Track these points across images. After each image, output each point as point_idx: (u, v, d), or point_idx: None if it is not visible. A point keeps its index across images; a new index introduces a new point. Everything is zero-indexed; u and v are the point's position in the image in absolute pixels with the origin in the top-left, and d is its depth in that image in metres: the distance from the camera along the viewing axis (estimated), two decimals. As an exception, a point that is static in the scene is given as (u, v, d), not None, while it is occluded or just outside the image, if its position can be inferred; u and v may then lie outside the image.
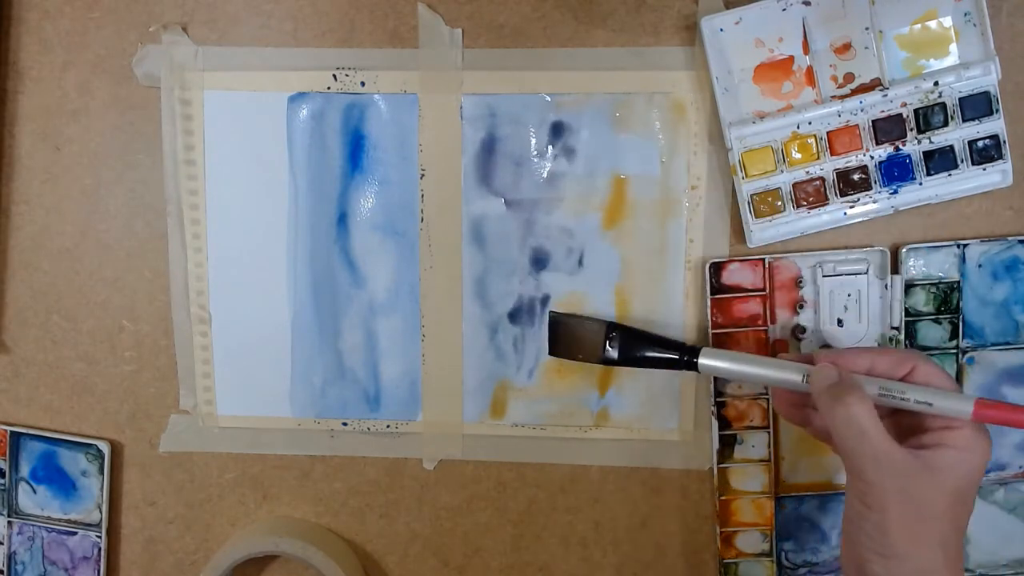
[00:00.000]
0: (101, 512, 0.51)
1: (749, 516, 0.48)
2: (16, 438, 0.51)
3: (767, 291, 0.46)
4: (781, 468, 0.48)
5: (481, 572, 0.51)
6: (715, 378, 0.47)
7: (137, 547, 0.52)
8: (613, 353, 0.45)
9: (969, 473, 0.36)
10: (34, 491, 0.52)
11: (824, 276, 0.46)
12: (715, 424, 0.47)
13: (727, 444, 0.47)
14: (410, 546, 0.51)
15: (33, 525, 0.52)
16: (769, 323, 0.46)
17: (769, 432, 0.47)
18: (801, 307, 0.46)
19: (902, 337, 0.46)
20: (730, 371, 0.42)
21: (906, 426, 0.39)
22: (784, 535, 0.48)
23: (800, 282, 0.46)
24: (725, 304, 0.46)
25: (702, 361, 0.43)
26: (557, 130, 0.46)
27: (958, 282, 0.46)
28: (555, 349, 0.47)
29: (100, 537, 0.51)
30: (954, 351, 0.46)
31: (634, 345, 0.45)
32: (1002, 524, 0.48)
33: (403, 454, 0.50)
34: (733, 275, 0.46)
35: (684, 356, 0.43)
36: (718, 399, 0.47)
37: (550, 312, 0.47)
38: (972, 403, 0.36)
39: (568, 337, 0.47)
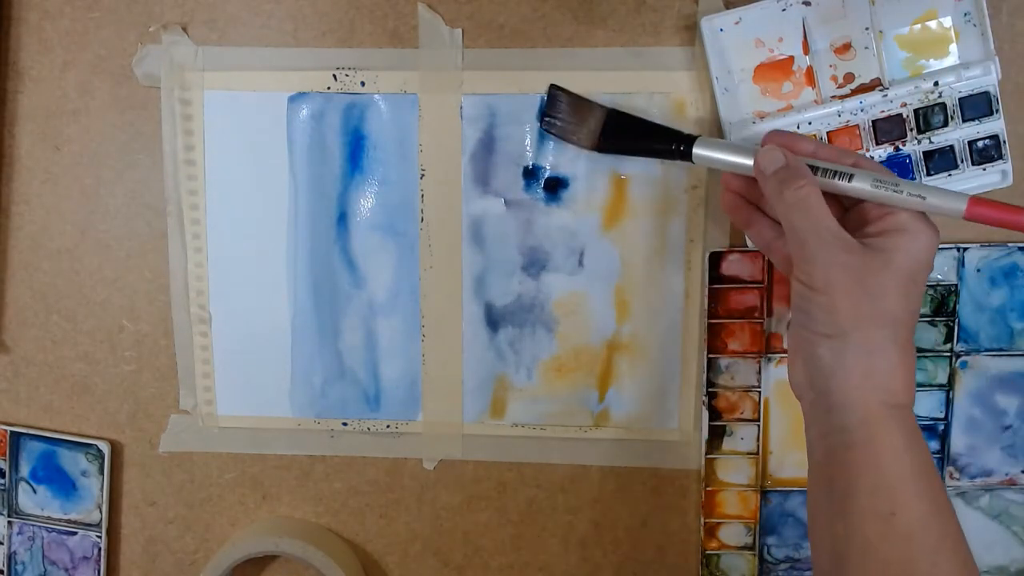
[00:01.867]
0: (101, 512, 0.51)
1: (734, 508, 0.48)
2: (16, 438, 0.51)
3: (765, 283, 0.46)
4: (768, 462, 0.48)
5: (481, 572, 0.51)
6: (708, 371, 0.47)
7: (137, 547, 0.52)
8: (609, 141, 0.44)
9: (916, 255, 0.36)
10: (34, 491, 0.52)
11: (823, 273, 0.46)
12: (705, 415, 0.47)
13: (716, 435, 0.48)
14: (410, 546, 0.51)
15: (33, 525, 0.52)
16: (766, 316, 0.46)
17: (759, 426, 0.47)
18: (800, 304, 0.46)
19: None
20: (724, 162, 0.41)
21: (850, 222, 0.38)
22: (768, 529, 0.48)
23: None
24: (723, 295, 0.46)
25: (696, 151, 0.41)
26: (557, 130, 0.46)
27: (956, 286, 0.46)
28: (550, 126, 0.45)
29: (100, 537, 0.51)
30: (948, 354, 0.46)
31: (631, 133, 0.44)
32: (985, 530, 0.48)
33: (403, 454, 0.50)
34: (732, 266, 0.46)
35: (680, 145, 0.42)
36: (710, 390, 0.47)
37: (551, 85, 0.45)
38: (966, 200, 0.36)
39: (566, 117, 0.45)
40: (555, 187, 0.47)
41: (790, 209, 0.36)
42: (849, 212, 0.39)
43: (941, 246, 0.45)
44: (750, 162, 0.40)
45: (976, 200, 0.36)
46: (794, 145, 0.39)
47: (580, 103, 0.45)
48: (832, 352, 0.35)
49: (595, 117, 0.44)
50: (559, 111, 0.45)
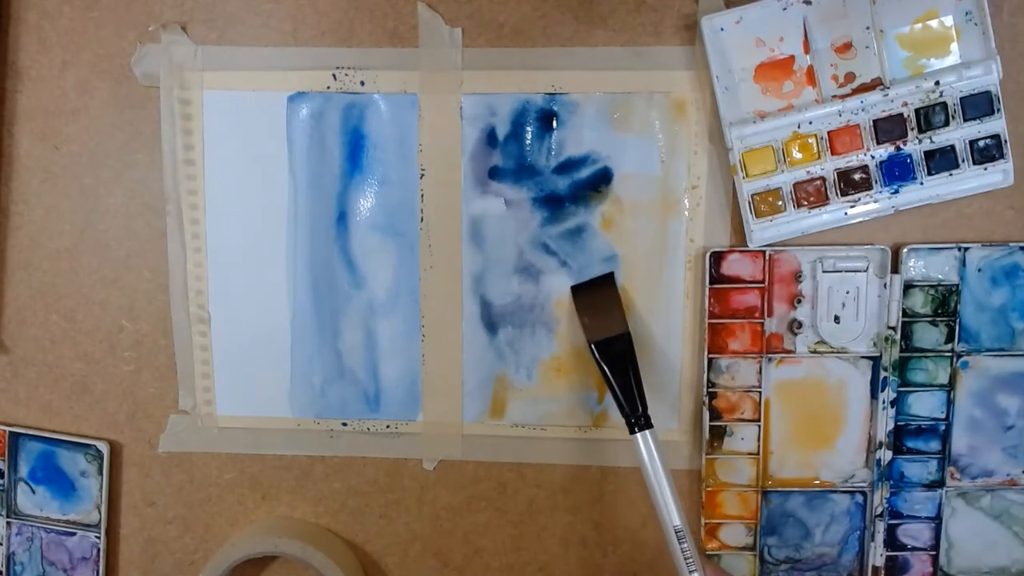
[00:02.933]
0: (100, 512, 0.51)
1: (734, 509, 0.48)
2: (15, 438, 0.51)
3: (766, 283, 0.46)
4: (769, 462, 0.48)
5: (481, 572, 0.51)
6: (708, 369, 0.47)
7: (136, 547, 0.52)
8: (602, 356, 0.44)
9: None
10: (33, 491, 0.51)
11: (824, 272, 0.46)
12: (706, 415, 0.47)
13: (717, 435, 0.48)
14: (410, 546, 0.51)
15: (32, 526, 0.52)
16: (766, 316, 0.46)
17: (759, 425, 0.47)
18: (799, 302, 0.46)
19: (898, 337, 0.46)
20: (645, 472, 0.42)
21: None
22: (768, 530, 0.48)
23: (799, 276, 0.46)
24: (723, 294, 0.46)
25: (637, 437, 0.43)
26: (557, 129, 0.46)
27: (957, 285, 0.46)
28: (580, 304, 0.46)
29: (99, 537, 0.51)
30: (949, 354, 0.46)
31: (619, 366, 0.44)
32: (987, 531, 0.48)
33: (403, 454, 0.50)
34: (733, 266, 0.46)
35: (633, 419, 0.43)
36: (710, 390, 0.47)
37: (610, 273, 0.47)
38: None
39: (594, 306, 0.46)
40: (555, 186, 0.47)
41: None
42: None
43: (942, 246, 0.45)
44: (658, 500, 0.42)
45: None
46: None
47: (610, 301, 0.46)
48: None
49: (612, 322, 0.45)
50: (594, 298, 0.46)
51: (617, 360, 0.44)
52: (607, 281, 0.47)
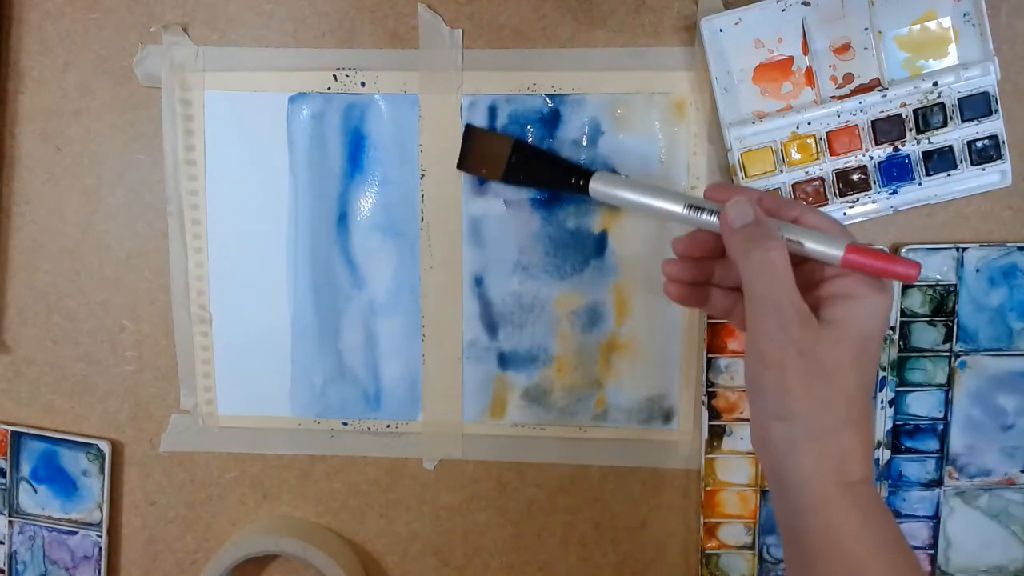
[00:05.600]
0: (102, 512, 0.51)
1: (733, 508, 0.48)
2: (17, 438, 0.51)
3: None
4: (771, 463, 0.48)
5: (481, 572, 0.51)
6: (707, 372, 0.47)
7: (138, 547, 0.52)
8: (515, 173, 0.45)
9: (867, 325, 0.33)
10: (35, 491, 0.52)
11: (823, 274, 0.46)
12: (705, 414, 0.47)
13: (716, 435, 0.48)
14: (410, 546, 0.51)
15: (34, 525, 0.52)
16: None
17: None
18: (800, 305, 0.46)
19: (896, 337, 0.46)
20: (618, 198, 0.40)
21: (802, 280, 0.35)
22: (767, 529, 0.48)
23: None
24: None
25: (592, 185, 0.41)
26: (557, 130, 0.47)
27: (955, 285, 0.46)
28: (463, 163, 0.47)
29: (101, 537, 0.51)
30: (947, 354, 0.46)
31: (535, 165, 0.45)
32: (984, 529, 0.48)
33: (403, 454, 0.50)
34: None
35: (578, 179, 0.42)
36: (709, 390, 0.47)
37: (466, 124, 0.47)
38: (843, 247, 0.34)
39: (476, 151, 0.46)
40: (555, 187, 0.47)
41: (755, 272, 0.34)
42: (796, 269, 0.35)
43: (940, 246, 0.45)
44: (645, 200, 0.39)
45: (852, 248, 0.34)
46: (739, 193, 0.37)
47: (487, 138, 0.46)
48: (783, 434, 0.33)
49: (502, 150, 0.45)
50: (470, 147, 0.46)
51: (527, 165, 0.45)
52: (469, 133, 0.47)
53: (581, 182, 0.42)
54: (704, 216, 0.37)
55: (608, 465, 0.49)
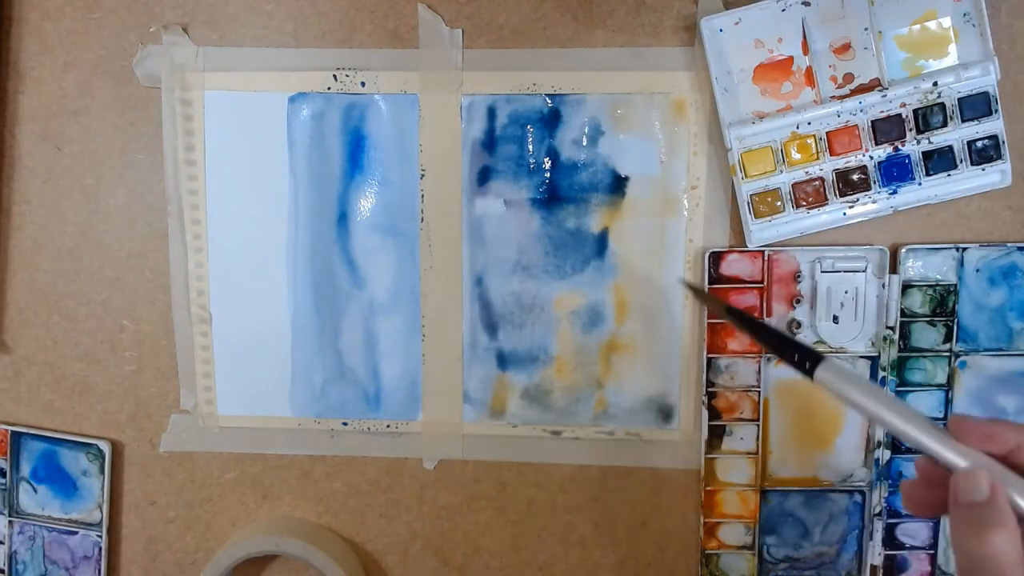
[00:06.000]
0: (102, 512, 0.51)
1: (733, 508, 0.48)
2: (17, 438, 0.51)
3: (765, 284, 0.46)
4: (768, 462, 0.48)
5: (481, 572, 0.51)
6: (707, 372, 0.47)
7: (138, 547, 0.52)
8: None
9: None
10: (35, 491, 0.52)
11: (823, 272, 0.46)
12: (705, 414, 0.47)
13: (716, 435, 0.48)
14: (410, 546, 0.51)
15: (34, 525, 0.52)
16: (765, 316, 0.47)
17: (758, 425, 0.47)
18: (798, 302, 0.46)
19: (896, 337, 0.46)
20: (850, 399, 0.32)
21: None
22: (767, 529, 0.48)
23: (798, 277, 0.46)
24: (722, 294, 0.46)
25: (819, 374, 0.33)
26: (557, 130, 0.47)
27: (955, 285, 0.46)
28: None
29: (101, 537, 0.51)
30: (947, 354, 0.46)
31: (755, 329, 0.39)
32: None
33: (403, 454, 0.50)
34: (732, 266, 0.46)
35: (803, 360, 0.34)
36: (709, 390, 0.47)
37: (683, 280, 0.47)
38: None
39: (700, 299, 0.46)
40: (555, 187, 0.47)
41: (972, 561, 0.28)
42: None
43: (940, 246, 0.45)
44: (882, 414, 0.32)
45: None
46: (993, 436, 0.30)
47: (703, 297, 0.46)
48: None
49: (717, 310, 0.42)
50: (698, 295, 0.46)
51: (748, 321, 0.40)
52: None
53: (807, 365, 0.34)
54: (940, 451, 0.31)
55: (608, 465, 0.49)
